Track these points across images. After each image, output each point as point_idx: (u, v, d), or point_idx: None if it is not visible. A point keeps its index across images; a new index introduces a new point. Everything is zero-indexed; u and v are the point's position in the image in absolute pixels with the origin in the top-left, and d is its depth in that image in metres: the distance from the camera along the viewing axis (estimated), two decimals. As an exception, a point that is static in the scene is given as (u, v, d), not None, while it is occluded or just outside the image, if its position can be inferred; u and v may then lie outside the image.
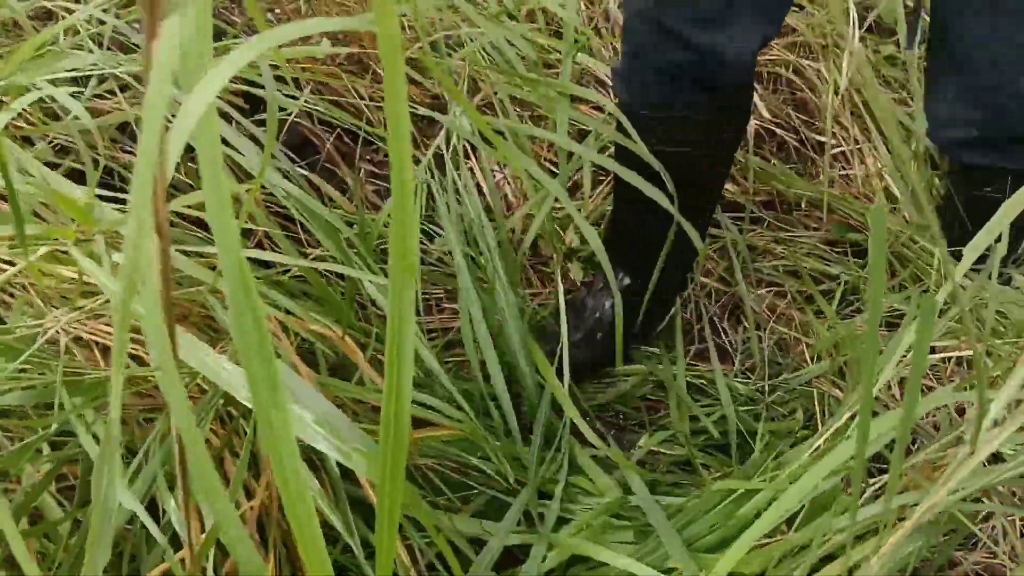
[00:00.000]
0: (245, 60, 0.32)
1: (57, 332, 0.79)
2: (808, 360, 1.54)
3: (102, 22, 1.45)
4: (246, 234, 1.45)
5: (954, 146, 1.44)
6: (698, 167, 1.32)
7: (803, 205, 1.82)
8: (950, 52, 1.33)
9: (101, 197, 1.28)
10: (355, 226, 1.64)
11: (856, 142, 1.97)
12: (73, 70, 1.32)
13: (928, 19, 1.38)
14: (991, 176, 1.41)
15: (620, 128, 1.26)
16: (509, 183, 1.85)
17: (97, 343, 0.93)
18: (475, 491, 1.21)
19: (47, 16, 1.54)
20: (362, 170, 1.80)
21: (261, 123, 1.63)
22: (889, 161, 1.90)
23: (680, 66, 1.22)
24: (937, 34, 1.36)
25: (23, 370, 0.77)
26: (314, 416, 0.64)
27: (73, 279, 0.93)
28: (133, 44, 1.44)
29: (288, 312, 1.18)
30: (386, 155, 1.83)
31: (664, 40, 1.20)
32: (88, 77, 1.45)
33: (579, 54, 1.82)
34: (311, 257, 1.49)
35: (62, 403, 0.74)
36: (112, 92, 1.50)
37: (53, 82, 1.19)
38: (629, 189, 1.24)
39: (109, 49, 1.37)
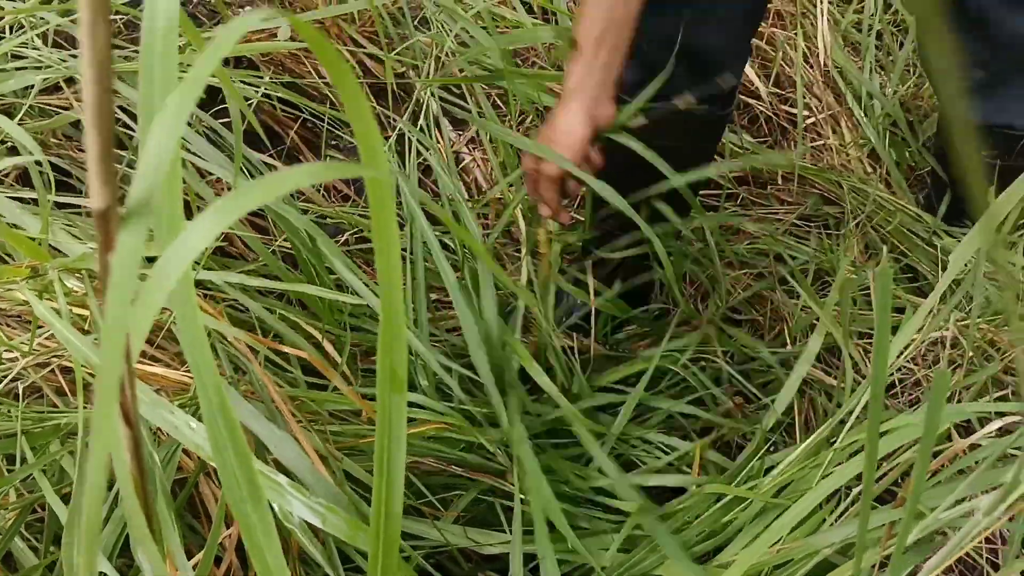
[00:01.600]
0: (224, 219, 0.28)
1: (19, 374, 0.75)
2: (788, 341, 1.53)
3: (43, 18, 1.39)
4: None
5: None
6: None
7: (778, 179, 1.80)
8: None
9: (58, 204, 1.24)
10: (327, 219, 1.61)
11: (829, 109, 1.95)
12: (21, 68, 1.27)
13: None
14: (985, 136, 1.42)
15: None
16: (479, 165, 1.81)
17: (60, 368, 0.90)
18: (458, 492, 1.19)
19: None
20: (328, 157, 1.75)
21: (219, 114, 1.58)
22: (864, 130, 1.88)
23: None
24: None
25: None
26: (289, 480, 0.62)
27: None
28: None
29: (260, 323, 1.15)
30: (351, 142, 1.79)
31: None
32: (36, 68, 1.39)
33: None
34: (278, 243, 1.45)
35: (24, 457, 0.70)
36: (59, 88, 1.45)
37: None
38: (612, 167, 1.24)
39: (55, 45, 1.31)
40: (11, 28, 1.39)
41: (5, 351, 0.80)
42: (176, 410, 0.64)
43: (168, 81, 0.33)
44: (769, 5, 1.97)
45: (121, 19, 1.66)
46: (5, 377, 0.76)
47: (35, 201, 1.14)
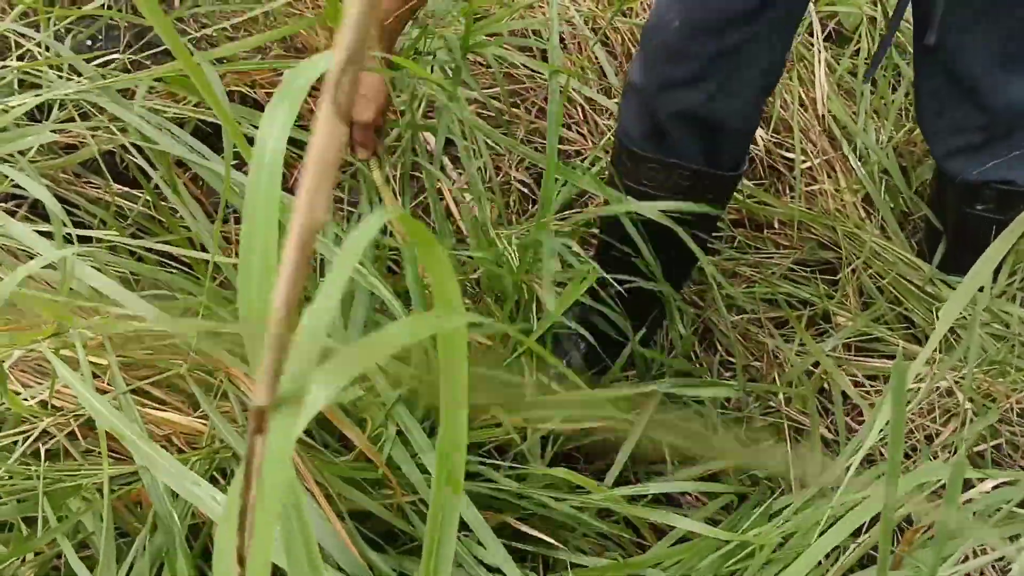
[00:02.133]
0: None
1: (42, 433, 0.75)
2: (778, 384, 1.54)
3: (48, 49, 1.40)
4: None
5: (956, 156, 1.46)
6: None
7: (774, 224, 1.82)
8: (947, 67, 1.35)
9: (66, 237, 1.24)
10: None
11: (824, 154, 1.97)
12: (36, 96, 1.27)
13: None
14: (982, 191, 1.44)
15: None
16: (481, 203, 1.82)
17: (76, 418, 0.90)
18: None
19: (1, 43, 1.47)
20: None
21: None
22: (859, 176, 1.90)
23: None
24: (926, 53, 1.37)
25: (9, 476, 0.74)
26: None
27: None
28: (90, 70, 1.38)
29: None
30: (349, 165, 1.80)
31: None
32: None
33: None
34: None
35: (46, 517, 0.71)
36: (72, 119, 1.45)
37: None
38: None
39: (69, 78, 1.31)
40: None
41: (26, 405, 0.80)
42: (202, 481, 0.65)
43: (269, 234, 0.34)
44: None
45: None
46: (28, 437, 0.76)
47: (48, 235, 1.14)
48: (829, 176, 1.94)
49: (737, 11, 1.21)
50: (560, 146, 1.82)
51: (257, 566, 0.29)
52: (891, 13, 1.34)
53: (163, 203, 1.33)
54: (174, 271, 1.25)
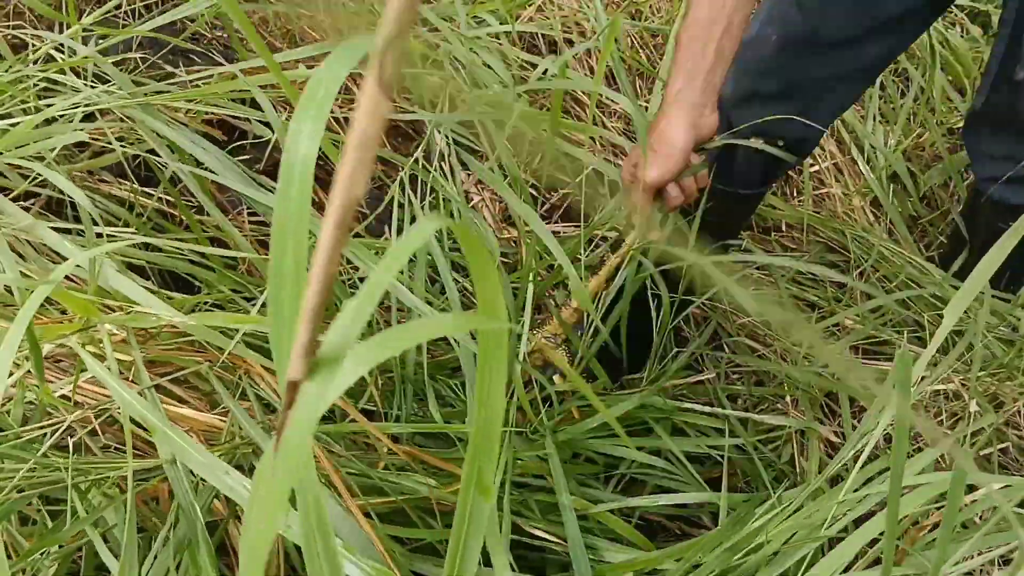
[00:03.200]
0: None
1: (69, 427, 0.77)
2: (786, 391, 1.56)
3: (74, 52, 1.41)
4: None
5: (999, 180, 1.45)
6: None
7: (782, 227, 1.83)
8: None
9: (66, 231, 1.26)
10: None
11: (833, 158, 1.98)
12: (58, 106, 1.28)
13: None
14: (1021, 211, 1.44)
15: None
16: (487, 206, 1.84)
17: (102, 414, 0.92)
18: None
19: (23, 46, 1.49)
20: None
21: (237, 151, 1.60)
22: (868, 180, 1.92)
23: None
24: (1009, 85, 1.33)
25: (32, 470, 0.75)
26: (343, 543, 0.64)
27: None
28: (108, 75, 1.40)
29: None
30: (374, 180, 1.81)
31: None
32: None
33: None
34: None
35: (74, 508, 0.73)
36: (91, 118, 1.47)
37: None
38: None
39: (92, 84, 1.33)
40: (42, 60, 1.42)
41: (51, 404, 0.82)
42: (232, 471, 0.66)
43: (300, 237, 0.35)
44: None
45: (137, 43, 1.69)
46: (56, 430, 0.78)
47: (69, 231, 1.15)
48: (837, 180, 1.95)
49: (838, 39, 1.20)
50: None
51: (265, 532, 0.31)
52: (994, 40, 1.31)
53: (181, 200, 1.35)
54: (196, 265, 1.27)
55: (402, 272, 1.47)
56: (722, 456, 1.39)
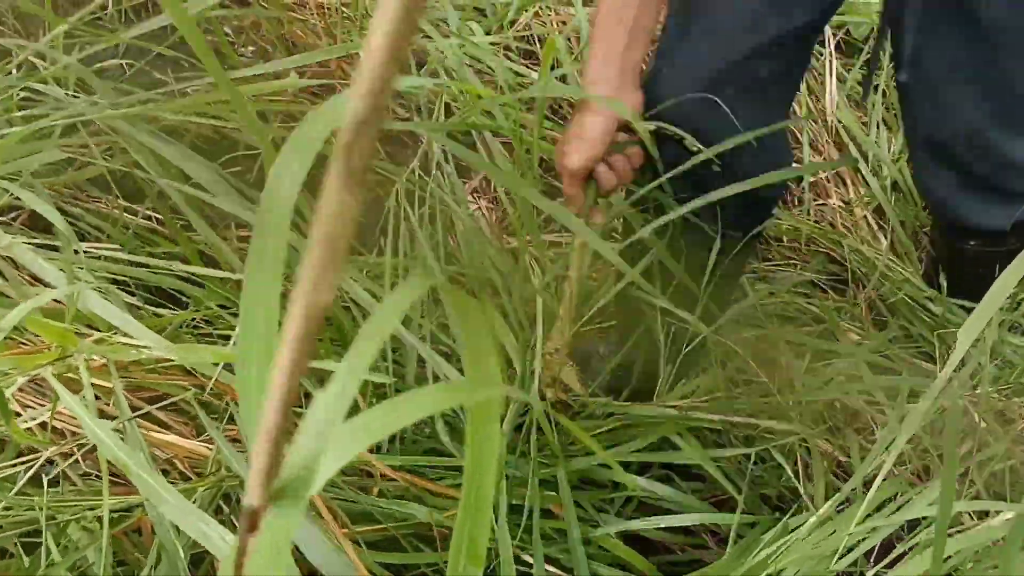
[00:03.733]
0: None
1: (45, 465, 0.73)
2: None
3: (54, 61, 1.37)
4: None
5: (938, 196, 1.39)
6: None
7: (783, 237, 1.80)
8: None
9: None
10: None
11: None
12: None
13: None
14: (973, 232, 1.39)
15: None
16: (484, 215, 1.81)
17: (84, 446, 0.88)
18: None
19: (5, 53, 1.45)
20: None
21: (230, 164, 1.57)
22: (869, 190, 1.88)
23: None
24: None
25: (8, 508, 0.72)
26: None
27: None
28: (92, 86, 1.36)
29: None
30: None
31: None
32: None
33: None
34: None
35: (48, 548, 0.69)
36: (74, 128, 1.43)
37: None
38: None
39: (75, 95, 1.29)
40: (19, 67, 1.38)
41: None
42: (210, 520, 0.63)
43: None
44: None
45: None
46: (30, 466, 0.74)
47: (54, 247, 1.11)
48: (838, 189, 1.92)
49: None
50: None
51: None
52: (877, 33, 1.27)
53: (170, 216, 1.31)
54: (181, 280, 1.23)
55: (394, 286, 1.44)
56: (726, 474, 1.36)
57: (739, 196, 1.18)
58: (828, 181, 1.92)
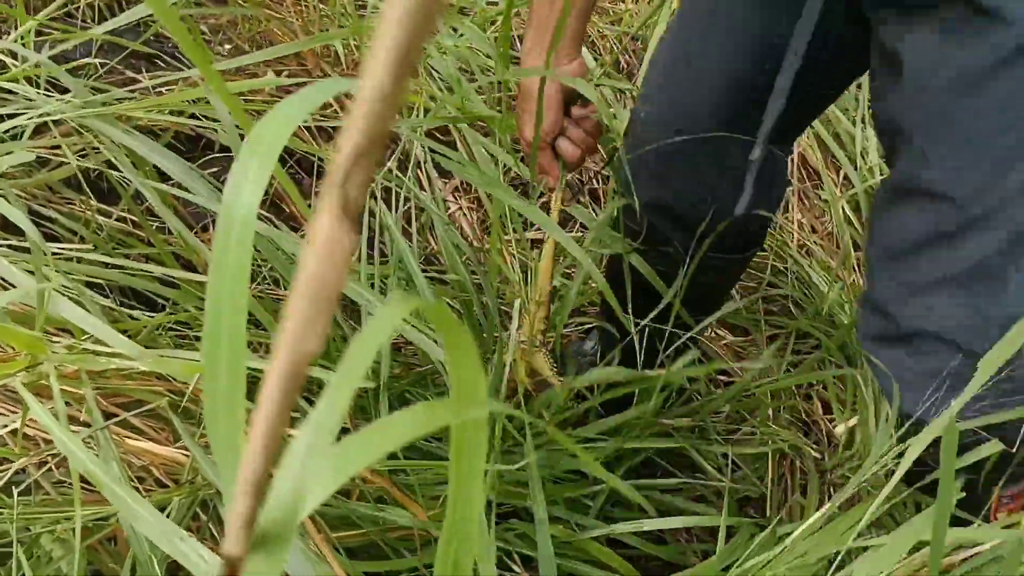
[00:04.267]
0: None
1: (17, 474, 0.71)
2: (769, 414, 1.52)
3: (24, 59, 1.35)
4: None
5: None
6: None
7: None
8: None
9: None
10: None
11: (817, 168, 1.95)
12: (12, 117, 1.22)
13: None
14: None
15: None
16: (465, 215, 1.79)
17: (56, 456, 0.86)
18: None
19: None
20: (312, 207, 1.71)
21: (208, 164, 1.55)
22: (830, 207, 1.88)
23: None
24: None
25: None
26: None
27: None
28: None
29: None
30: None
31: None
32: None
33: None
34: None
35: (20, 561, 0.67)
36: (46, 128, 1.40)
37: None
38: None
39: (47, 92, 1.26)
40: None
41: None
42: (185, 535, 0.61)
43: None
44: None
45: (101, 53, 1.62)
46: (3, 475, 0.72)
47: (26, 249, 1.09)
48: (822, 189, 1.92)
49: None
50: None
51: None
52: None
53: (145, 218, 1.29)
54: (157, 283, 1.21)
55: (372, 286, 1.42)
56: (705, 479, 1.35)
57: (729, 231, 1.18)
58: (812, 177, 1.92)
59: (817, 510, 1.11)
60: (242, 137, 1.32)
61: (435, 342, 1.19)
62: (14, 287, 0.85)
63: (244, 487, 0.24)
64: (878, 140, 1.11)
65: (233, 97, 0.53)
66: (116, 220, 1.34)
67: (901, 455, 1.03)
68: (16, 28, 1.40)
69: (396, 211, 1.64)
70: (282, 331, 0.23)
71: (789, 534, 1.09)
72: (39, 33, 1.46)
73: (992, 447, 0.92)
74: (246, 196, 0.34)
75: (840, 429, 1.10)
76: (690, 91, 1.14)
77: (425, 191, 1.74)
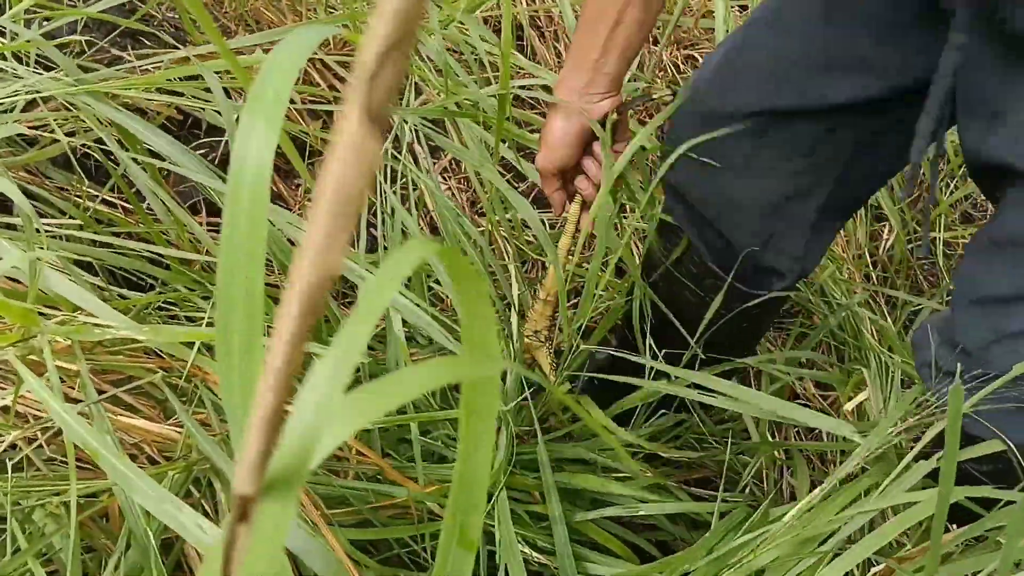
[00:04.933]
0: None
1: (8, 450, 0.70)
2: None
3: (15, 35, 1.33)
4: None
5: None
6: None
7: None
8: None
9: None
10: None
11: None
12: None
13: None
14: None
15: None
16: (455, 196, 1.78)
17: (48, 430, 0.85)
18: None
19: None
20: (301, 188, 1.70)
21: (201, 145, 1.53)
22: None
23: None
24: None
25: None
26: None
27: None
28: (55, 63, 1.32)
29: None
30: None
31: None
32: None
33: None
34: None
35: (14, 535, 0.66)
36: (34, 105, 1.38)
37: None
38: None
39: (36, 70, 1.25)
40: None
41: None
42: (184, 506, 0.60)
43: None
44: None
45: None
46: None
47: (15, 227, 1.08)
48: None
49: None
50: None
51: None
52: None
53: (135, 198, 1.27)
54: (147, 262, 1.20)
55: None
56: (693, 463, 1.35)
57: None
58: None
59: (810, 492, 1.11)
60: (238, 121, 1.31)
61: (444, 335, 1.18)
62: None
63: (258, 423, 0.23)
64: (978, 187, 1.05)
65: (245, 70, 0.53)
66: (104, 200, 1.32)
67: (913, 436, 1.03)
68: (6, 5, 1.38)
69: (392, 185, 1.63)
70: (303, 242, 0.22)
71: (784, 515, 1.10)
72: (26, 10, 1.44)
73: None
74: (253, 152, 0.33)
75: (849, 406, 1.10)
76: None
77: (419, 169, 1.73)
